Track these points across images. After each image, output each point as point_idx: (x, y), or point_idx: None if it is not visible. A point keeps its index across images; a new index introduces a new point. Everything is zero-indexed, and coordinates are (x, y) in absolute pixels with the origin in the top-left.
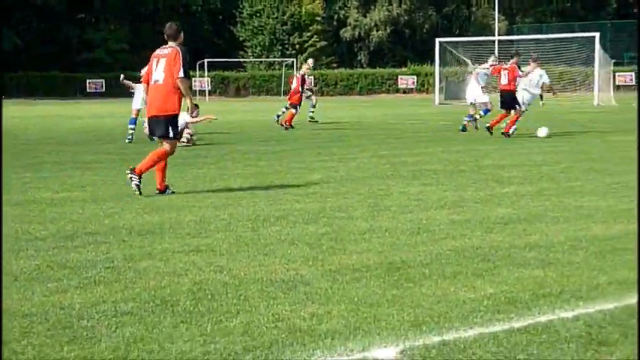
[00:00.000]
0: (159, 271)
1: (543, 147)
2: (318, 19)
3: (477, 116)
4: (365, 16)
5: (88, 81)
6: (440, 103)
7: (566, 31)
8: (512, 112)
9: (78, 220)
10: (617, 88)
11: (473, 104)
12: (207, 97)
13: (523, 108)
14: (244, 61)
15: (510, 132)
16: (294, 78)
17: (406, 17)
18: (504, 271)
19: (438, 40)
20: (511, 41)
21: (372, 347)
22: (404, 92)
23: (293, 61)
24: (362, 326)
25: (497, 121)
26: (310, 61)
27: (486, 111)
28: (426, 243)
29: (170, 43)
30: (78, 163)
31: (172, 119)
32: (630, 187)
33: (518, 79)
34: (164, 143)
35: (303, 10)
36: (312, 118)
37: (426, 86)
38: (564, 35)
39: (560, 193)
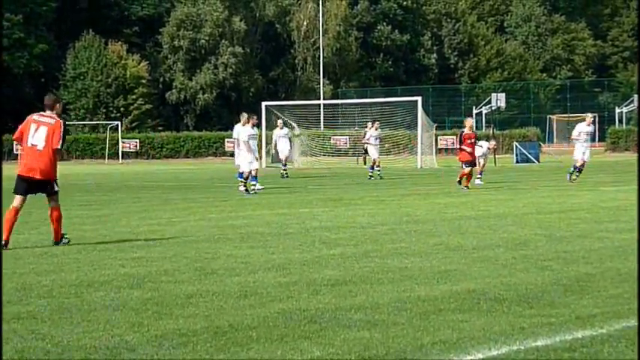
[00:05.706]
0: None
1: (367, 209)
2: (143, 81)
3: None
4: (191, 80)
5: None
6: (267, 166)
7: (390, 95)
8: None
9: None
10: (439, 151)
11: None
12: None
13: None
14: (68, 124)
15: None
16: None
17: (232, 81)
18: (331, 333)
19: (264, 103)
20: (336, 105)
21: None
22: (231, 155)
23: (118, 124)
24: None
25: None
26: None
27: None
28: (253, 306)
29: (48, 112)
30: None
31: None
32: (452, 249)
33: None
34: None
35: (128, 74)
36: None
37: None
38: (388, 99)
39: (384, 255)
